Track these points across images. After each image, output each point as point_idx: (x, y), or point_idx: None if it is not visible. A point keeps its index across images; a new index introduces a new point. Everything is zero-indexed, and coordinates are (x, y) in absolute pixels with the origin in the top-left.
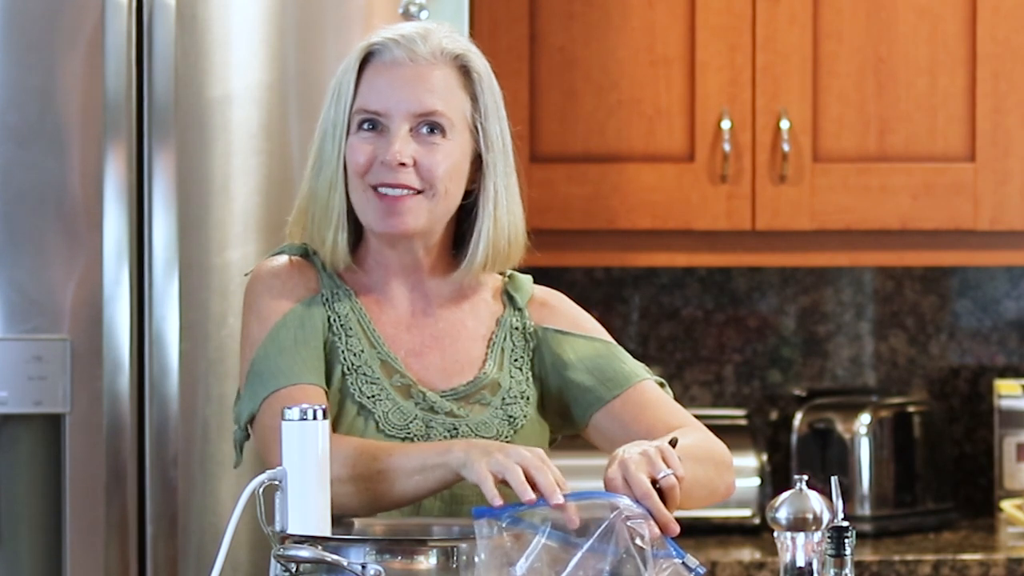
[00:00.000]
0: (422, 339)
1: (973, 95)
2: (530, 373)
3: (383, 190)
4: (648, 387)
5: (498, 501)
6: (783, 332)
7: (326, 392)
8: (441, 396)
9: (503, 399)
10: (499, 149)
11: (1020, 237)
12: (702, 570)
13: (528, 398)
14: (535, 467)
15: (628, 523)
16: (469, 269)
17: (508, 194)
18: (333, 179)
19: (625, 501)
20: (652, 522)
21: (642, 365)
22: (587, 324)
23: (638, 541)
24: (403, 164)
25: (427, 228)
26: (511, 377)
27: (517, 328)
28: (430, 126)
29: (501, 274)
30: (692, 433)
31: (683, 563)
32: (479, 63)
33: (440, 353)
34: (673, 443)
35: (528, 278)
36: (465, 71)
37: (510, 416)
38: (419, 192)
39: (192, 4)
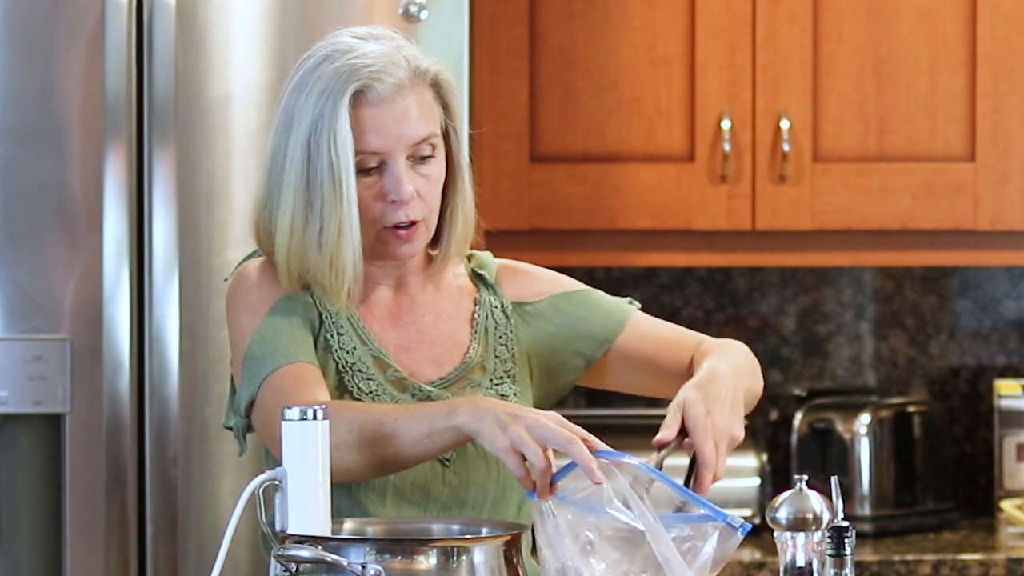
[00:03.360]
0: (409, 335)
1: (973, 95)
2: (515, 349)
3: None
4: (640, 317)
5: (521, 471)
6: (783, 332)
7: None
8: (433, 386)
9: (491, 380)
10: (464, 145)
11: (1020, 237)
12: (748, 527)
13: (514, 376)
14: (565, 441)
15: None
16: (445, 263)
17: (466, 184)
18: (344, 226)
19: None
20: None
21: (620, 298)
22: (559, 279)
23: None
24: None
25: (426, 243)
26: (496, 357)
27: (496, 307)
28: (423, 155)
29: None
30: (724, 349)
31: (727, 523)
32: (448, 75)
33: (428, 346)
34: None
35: (488, 254)
36: (436, 84)
37: (501, 395)
38: (421, 220)
39: (192, 4)
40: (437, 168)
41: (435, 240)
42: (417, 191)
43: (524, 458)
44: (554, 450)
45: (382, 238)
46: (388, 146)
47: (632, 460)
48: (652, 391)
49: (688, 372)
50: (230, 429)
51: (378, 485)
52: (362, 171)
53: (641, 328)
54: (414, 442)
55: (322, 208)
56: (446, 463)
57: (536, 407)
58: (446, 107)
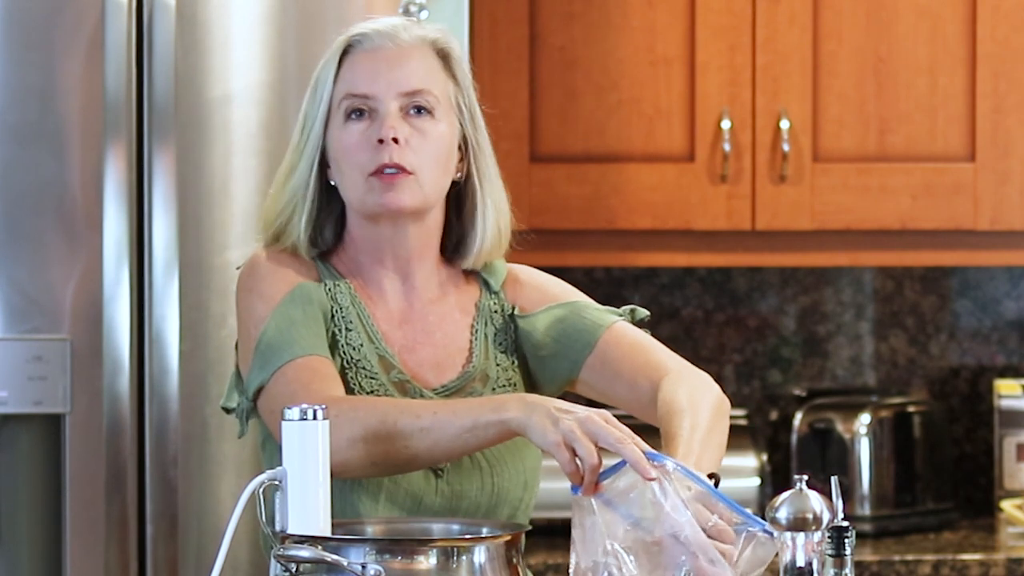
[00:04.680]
0: (414, 334)
1: (973, 95)
2: (515, 356)
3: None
4: (618, 331)
5: (572, 467)
6: (783, 332)
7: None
8: (435, 393)
9: (492, 389)
10: (483, 129)
11: (1020, 237)
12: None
13: (515, 384)
14: (615, 440)
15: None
16: (478, 254)
17: (495, 177)
18: (306, 168)
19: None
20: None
21: (608, 309)
22: (553, 291)
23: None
24: (396, 140)
25: (421, 207)
26: (497, 365)
27: (496, 311)
28: (418, 107)
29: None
30: (687, 388)
31: (763, 530)
32: (456, 46)
33: (432, 348)
34: (716, 481)
35: (501, 261)
36: (444, 55)
37: None
38: (411, 174)
39: (192, 4)
40: (436, 128)
41: (461, 242)
42: (408, 140)
43: (574, 453)
44: (602, 448)
45: (370, 186)
46: (377, 90)
47: (673, 463)
48: (615, 403)
49: (651, 402)
50: (227, 411)
51: (371, 488)
52: (353, 115)
53: (612, 351)
54: (454, 436)
55: (300, 152)
56: (439, 473)
57: None
58: (456, 81)
